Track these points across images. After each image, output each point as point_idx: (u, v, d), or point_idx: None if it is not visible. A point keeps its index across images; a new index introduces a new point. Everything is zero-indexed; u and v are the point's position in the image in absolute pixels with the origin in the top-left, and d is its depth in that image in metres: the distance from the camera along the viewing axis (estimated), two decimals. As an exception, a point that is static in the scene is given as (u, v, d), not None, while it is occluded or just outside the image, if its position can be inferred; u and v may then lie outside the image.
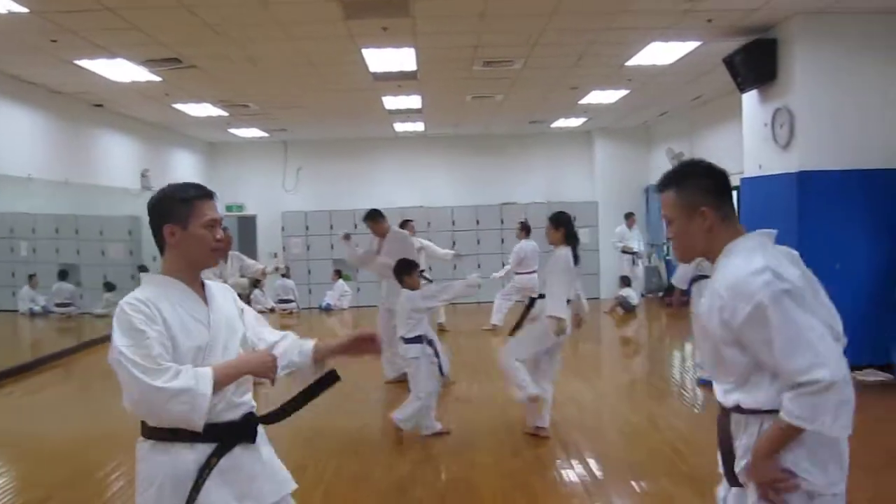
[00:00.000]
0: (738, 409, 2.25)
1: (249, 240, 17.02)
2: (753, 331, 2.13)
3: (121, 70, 9.05)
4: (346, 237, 8.29)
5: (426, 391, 5.97)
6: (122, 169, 12.65)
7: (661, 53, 9.05)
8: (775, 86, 8.10)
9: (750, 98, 8.70)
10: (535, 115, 14.01)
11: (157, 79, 9.55)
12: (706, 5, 7.16)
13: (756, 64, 8.10)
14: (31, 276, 11.00)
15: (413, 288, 6.13)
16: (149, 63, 8.77)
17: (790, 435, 2.10)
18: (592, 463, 5.38)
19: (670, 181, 2.39)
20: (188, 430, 2.25)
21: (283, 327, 8.65)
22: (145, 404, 2.22)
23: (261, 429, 2.52)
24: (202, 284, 2.49)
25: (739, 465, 2.25)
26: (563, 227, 5.89)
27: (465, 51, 8.78)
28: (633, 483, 4.95)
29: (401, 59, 9.01)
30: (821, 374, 2.02)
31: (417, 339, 6.00)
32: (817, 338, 2.08)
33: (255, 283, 15.61)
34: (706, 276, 6.53)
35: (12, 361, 9.29)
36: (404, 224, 11.30)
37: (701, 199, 2.32)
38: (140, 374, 2.17)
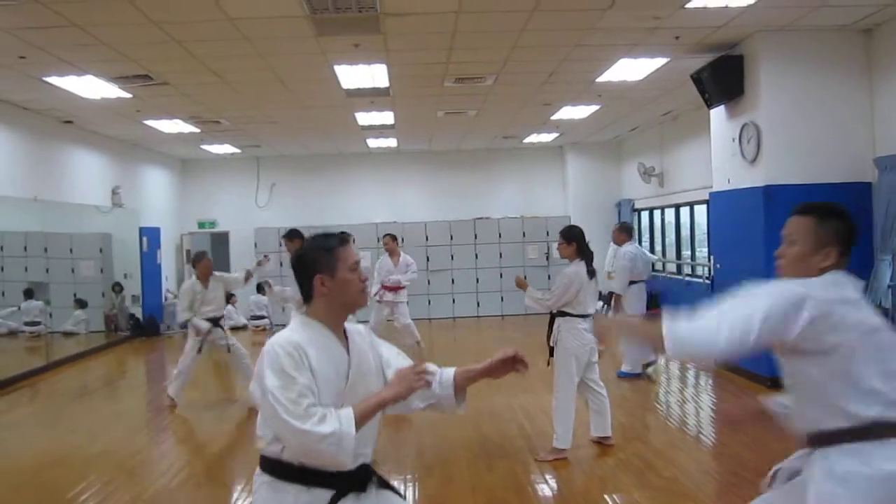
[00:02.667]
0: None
1: (222, 256, 16.88)
2: None
3: (91, 87, 8.99)
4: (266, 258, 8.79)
5: None
6: (92, 186, 12.53)
7: (630, 70, 9.16)
8: (742, 101, 8.23)
9: (718, 113, 8.84)
10: (508, 130, 14.10)
11: (128, 95, 9.50)
12: (672, 22, 7.27)
13: (723, 80, 8.24)
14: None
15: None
16: (119, 80, 8.72)
17: None
18: (565, 476, 5.40)
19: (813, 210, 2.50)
20: (306, 474, 2.33)
21: (255, 344, 8.60)
22: (297, 445, 2.29)
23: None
24: (345, 329, 2.55)
25: None
26: (574, 241, 5.81)
27: (436, 67, 8.83)
28: (607, 497, 4.97)
29: (373, 75, 9.03)
30: None
31: None
32: None
33: (228, 299, 15.51)
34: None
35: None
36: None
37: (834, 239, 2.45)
38: (289, 417, 2.25)
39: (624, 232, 9.35)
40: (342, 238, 2.55)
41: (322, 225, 15.85)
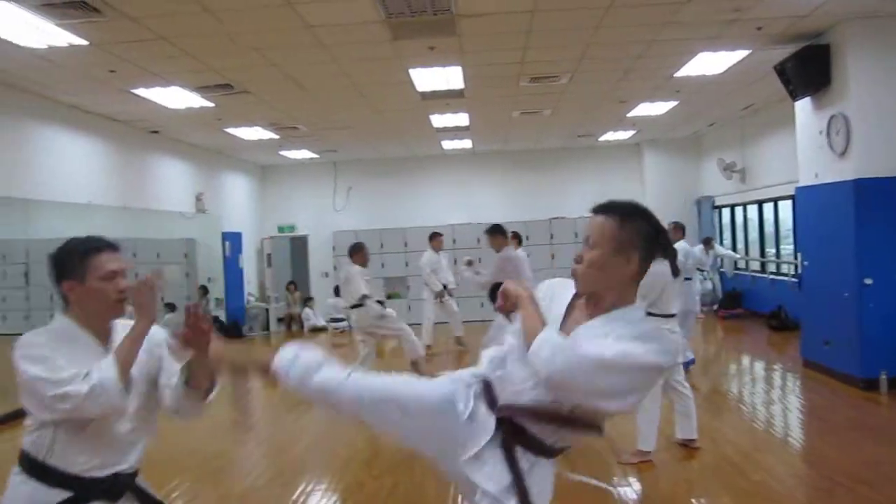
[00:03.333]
0: None
1: (301, 260, 17.24)
2: None
3: (175, 97, 9.29)
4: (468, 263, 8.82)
5: None
6: (177, 193, 12.95)
7: (709, 63, 8.95)
8: (829, 92, 7.94)
9: (803, 106, 8.54)
10: (583, 128, 13.96)
11: (210, 104, 9.78)
12: (754, 13, 7.07)
13: (808, 71, 7.96)
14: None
15: None
16: (202, 89, 8.99)
17: None
18: (649, 479, 5.31)
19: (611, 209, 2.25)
20: (52, 474, 2.35)
21: (335, 346, 8.72)
22: (71, 409, 2.27)
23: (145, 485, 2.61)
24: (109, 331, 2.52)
25: None
26: None
27: (511, 67, 8.80)
28: (694, 501, 4.87)
29: (447, 77, 9.07)
30: None
31: None
32: None
33: (307, 301, 15.81)
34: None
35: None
36: (433, 237, 11.55)
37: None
38: (53, 388, 2.24)
39: (679, 230, 9.50)
40: (103, 245, 2.48)
41: (398, 227, 16.05)
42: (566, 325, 2.25)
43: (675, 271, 5.63)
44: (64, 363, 2.29)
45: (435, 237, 11.75)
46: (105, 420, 2.40)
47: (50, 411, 2.29)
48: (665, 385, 5.76)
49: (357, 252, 8.74)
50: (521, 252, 9.60)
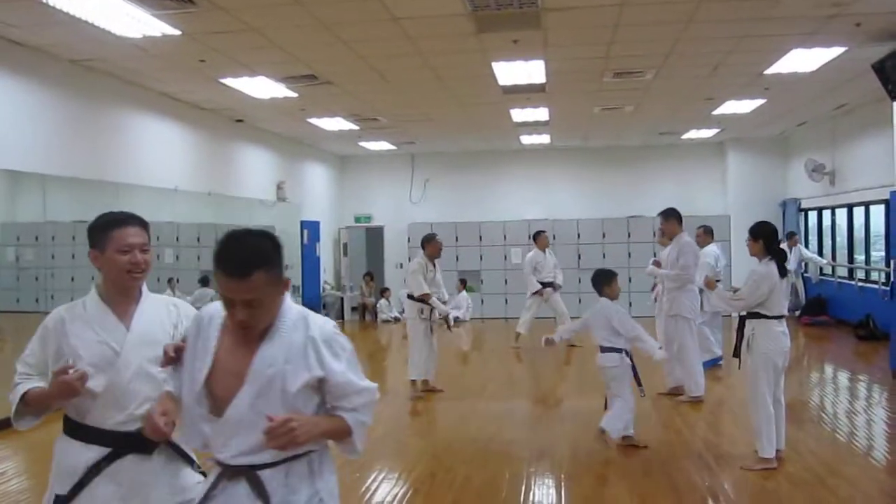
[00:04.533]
0: None
1: (377, 250, 17.42)
2: None
3: (261, 87, 9.48)
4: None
5: (627, 398, 5.96)
6: (259, 181, 13.23)
7: (802, 60, 8.65)
8: (932, 93, 7.59)
9: (902, 106, 8.18)
10: (666, 126, 13.68)
11: (294, 94, 9.95)
12: (855, 9, 6.80)
13: (910, 70, 7.63)
14: (169, 280, 11.64)
15: (612, 298, 6.09)
16: (287, 80, 9.15)
17: None
18: (729, 489, 5.17)
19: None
20: (89, 432, 2.59)
21: (405, 338, 8.73)
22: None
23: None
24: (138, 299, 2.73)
25: None
26: (762, 238, 5.52)
27: (595, 62, 8.68)
28: (775, 511, 4.72)
29: (530, 71, 9.01)
30: None
31: (616, 350, 5.97)
32: None
33: (382, 293, 15.97)
34: None
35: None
36: (537, 235, 11.36)
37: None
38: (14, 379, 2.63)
39: (708, 234, 9.58)
40: (123, 219, 2.67)
41: (474, 221, 16.04)
42: None
43: (783, 272, 5.50)
44: (35, 353, 2.66)
45: (539, 235, 11.55)
46: (118, 383, 2.59)
47: None
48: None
49: (428, 243, 8.43)
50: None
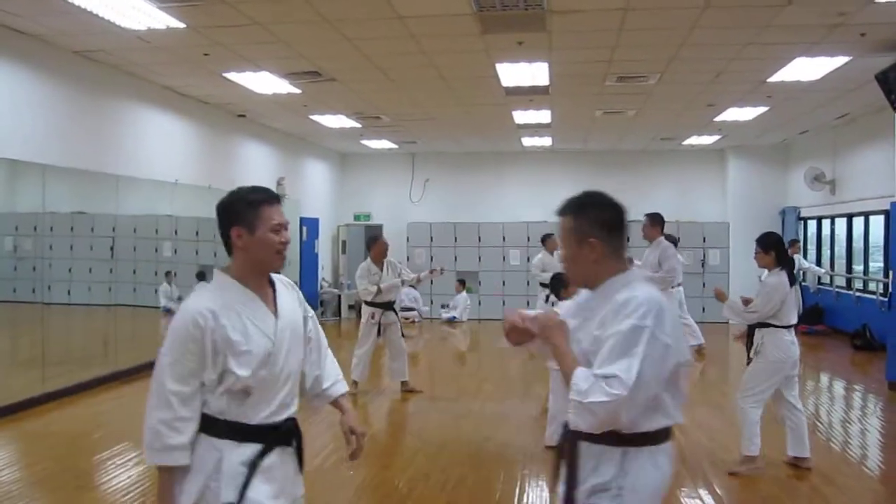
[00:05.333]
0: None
1: (375, 249, 17.38)
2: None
3: (264, 82, 9.47)
4: None
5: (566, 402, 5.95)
6: (259, 176, 13.21)
7: (806, 69, 8.65)
8: (934, 104, 7.59)
9: (905, 117, 8.19)
10: (667, 131, 13.68)
11: (297, 91, 9.94)
12: (860, 18, 6.80)
13: (913, 80, 7.63)
14: (167, 273, 11.62)
15: None
16: (291, 76, 9.14)
17: None
18: (722, 494, 5.17)
19: (567, 208, 2.50)
20: (238, 430, 2.40)
21: (404, 337, 8.71)
22: (148, 411, 2.38)
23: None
24: (272, 284, 2.56)
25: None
26: (773, 249, 5.53)
27: (598, 66, 8.68)
28: (767, 518, 4.71)
29: (533, 73, 9.00)
30: None
31: None
32: None
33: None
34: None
35: (155, 355, 9.83)
36: (546, 238, 11.23)
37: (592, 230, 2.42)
38: (155, 394, 2.37)
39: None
40: (269, 196, 2.50)
41: (473, 221, 16.04)
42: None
43: (792, 280, 5.51)
44: (187, 361, 2.37)
45: (549, 238, 11.47)
46: (272, 376, 2.46)
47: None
48: (779, 400, 5.58)
49: (372, 244, 8.44)
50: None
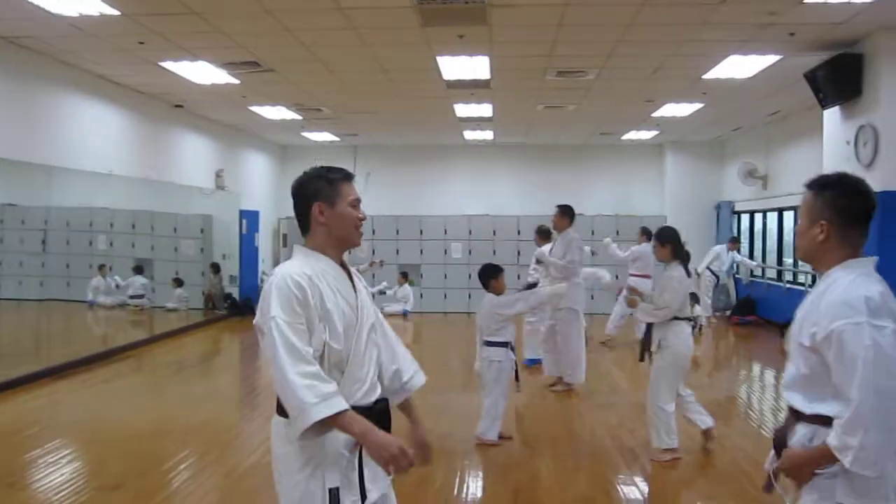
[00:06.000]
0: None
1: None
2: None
3: (202, 72, 9.31)
4: None
5: (500, 396, 6.05)
6: (197, 168, 13.00)
7: (739, 67, 8.88)
8: (860, 102, 7.87)
9: (832, 115, 8.46)
10: (607, 126, 13.89)
11: (236, 81, 9.79)
12: (789, 18, 7.01)
13: (840, 79, 7.89)
14: (100, 267, 11.36)
15: (498, 292, 6.15)
16: (229, 66, 9.00)
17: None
18: (657, 480, 5.29)
19: (813, 184, 2.47)
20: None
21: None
22: (277, 380, 2.28)
23: None
24: (344, 265, 2.57)
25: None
26: (670, 243, 5.68)
27: (539, 60, 8.76)
28: (700, 504, 4.85)
29: (474, 67, 9.04)
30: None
31: (502, 344, 6.04)
32: None
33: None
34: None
35: (88, 350, 9.63)
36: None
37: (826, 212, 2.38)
38: (286, 354, 2.25)
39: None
40: (346, 174, 2.57)
41: (416, 214, 16.03)
42: None
43: (688, 273, 5.70)
44: (300, 318, 2.31)
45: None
46: (359, 351, 2.45)
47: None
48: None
49: None
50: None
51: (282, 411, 2.37)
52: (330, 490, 2.32)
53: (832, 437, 2.19)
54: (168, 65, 8.95)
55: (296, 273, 2.36)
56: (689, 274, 5.70)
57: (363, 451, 2.37)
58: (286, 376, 2.24)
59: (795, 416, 2.42)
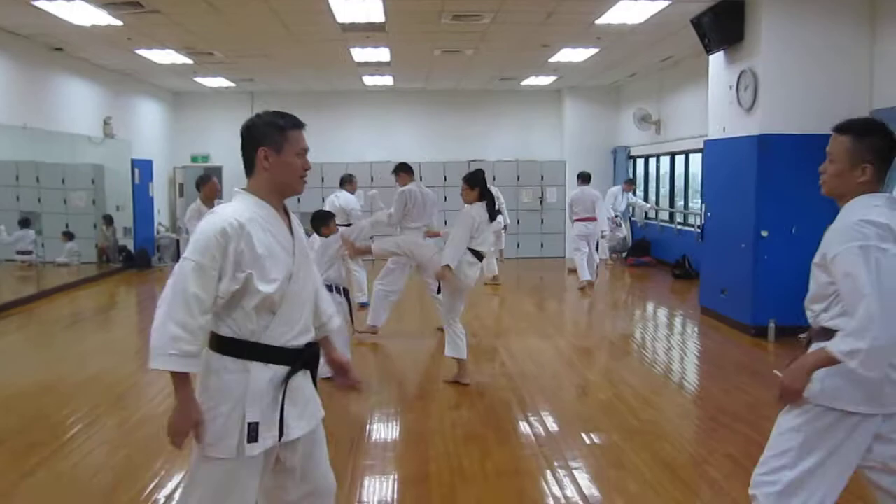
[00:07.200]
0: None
1: (215, 191, 16.81)
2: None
3: (80, 12, 8.79)
4: None
5: None
6: (84, 116, 12.39)
7: (630, 12, 9.00)
8: (741, 48, 8.13)
9: (716, 60, 8.73)
10: (506, 72, 13.92)
11: (119, 23, 9.31)
12: (675, -36, 7.13)
13: (723, 25, 8.12)
14: (-22, 222, 10.79)
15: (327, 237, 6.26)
16: (109, 6, 8.53)
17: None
18: (546, 416, 5.48)
19: (849, 129, 2.63)
20: (266, 351, 2.43)
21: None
22: (158, 315, 2.36)
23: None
24: (286, 211, 2.60)
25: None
26: (478, 186, 6.09)
27: (433, 3, 8.65)
28: (584, 436, 5.05)
29: (368, 9, 8.87)
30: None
31: (328, 287, 6.06)
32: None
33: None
34: None
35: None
36: (345, 180, 11.16)
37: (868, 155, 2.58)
38: (178, 299, 2.32)
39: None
40: (296, 122, 2.58)
41: (316, 162, 15.68)
42: None
43: (493, 216, 6.05)
44: (210, 268, 2.34)
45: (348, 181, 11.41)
46: (295, 295, 2.49)
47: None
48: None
49: (203, 184, 8.32)
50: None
51: (213, 345, 2.45)
52: (249, 424, 2.40)
53: (837, 343, 2.40)
54: (42, 4, 8.41)
55: (227, 218, 2.38)
56: (492, 216, 6.08)
57: (287, 391, 2.46)
58: (166, 317, 2.32)
59: (811, 331, 2.67)
